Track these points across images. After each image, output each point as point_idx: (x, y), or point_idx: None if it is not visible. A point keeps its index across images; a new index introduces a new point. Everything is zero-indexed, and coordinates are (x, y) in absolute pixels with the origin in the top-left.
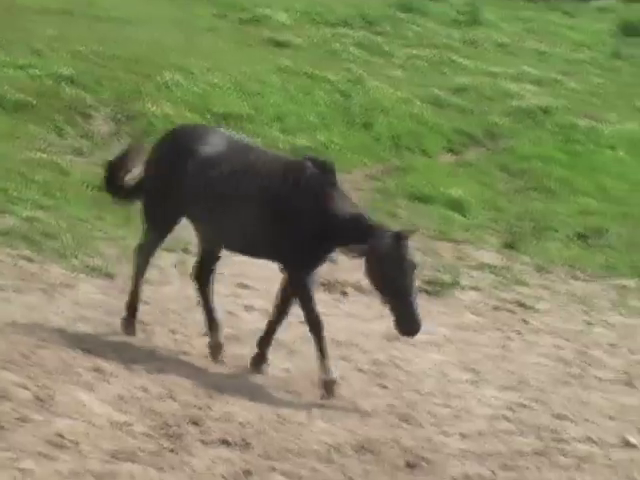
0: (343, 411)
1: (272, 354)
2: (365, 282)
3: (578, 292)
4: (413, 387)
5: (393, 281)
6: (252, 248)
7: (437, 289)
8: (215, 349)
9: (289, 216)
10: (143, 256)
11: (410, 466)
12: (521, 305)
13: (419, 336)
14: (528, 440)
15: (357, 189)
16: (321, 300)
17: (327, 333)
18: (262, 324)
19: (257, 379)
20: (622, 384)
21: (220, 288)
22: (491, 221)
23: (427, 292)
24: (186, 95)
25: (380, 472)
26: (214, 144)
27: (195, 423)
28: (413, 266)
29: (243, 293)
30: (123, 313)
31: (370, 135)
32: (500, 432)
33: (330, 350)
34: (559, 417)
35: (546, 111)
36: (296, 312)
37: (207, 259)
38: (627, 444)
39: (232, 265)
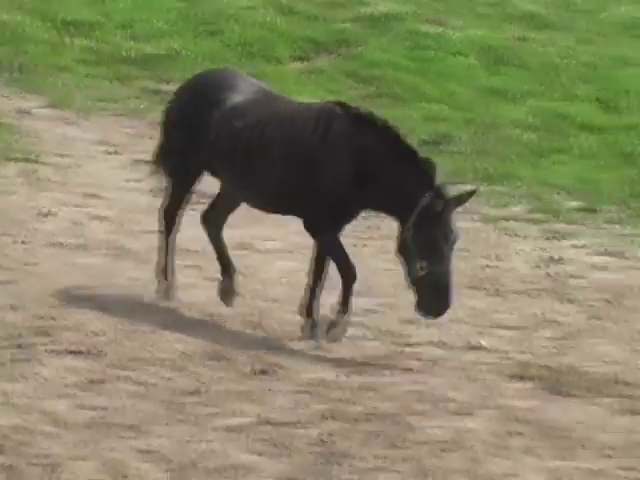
0: (195, 320)
1: (122, 263)
2: (215, 190)
3: None
4: (265, 295)
5: (439, 248)
6: (277, 204)
7: None
8: (227, 294)
9: (316, 172)
10: (169, 217)
11: (262, 372)
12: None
13: (270, 243)
14: (378, 344)
15: None
16: None
17: (179, 241)
18: (113, 235)
19: (108, 289)
20: (471, 288)
21: (68, 197)
22: None
23: None
24: (32, 1)
25: (232, 379)
26: (239, 92)
27: (46, 333)
28: (457, 237)
29: (92, 202)
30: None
31: (220, 42)
32: (351, 337)
33: (351, 304)
34: (409, 322)
35: (395, 18)
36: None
37: (224, 206)
38: (473, 346)
39: (81, 174)
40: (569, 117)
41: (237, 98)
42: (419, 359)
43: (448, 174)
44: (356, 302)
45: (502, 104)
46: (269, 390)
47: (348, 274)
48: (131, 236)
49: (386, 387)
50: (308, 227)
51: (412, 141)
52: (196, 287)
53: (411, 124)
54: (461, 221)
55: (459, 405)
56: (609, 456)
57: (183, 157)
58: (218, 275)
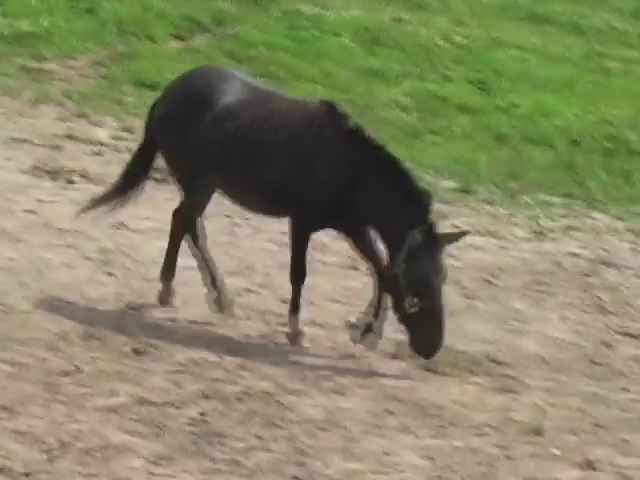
0: (70, 300)
1: None
2: (92, 169)
3: None
4: (140, 275)
5: (431, 284)
6: (269, 206)
7: (164, 176)
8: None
9: (306, 174)
10: (183, 222)
11: (138, 352)
12: None
13: (147, 223)
14: (255, 324)
15: (83, 76)
16: (46, 187)
17: (54, 222)
18: None
19: None
20: (346, 268)
21: None
22: None
23: (154, 179)
24: None
25: (107, 359)
26: (230, 91)
27: None
28: (446, 273)
29: None
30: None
31: (95, 21)
32: (228, 317)
33: (301, 305)
34: (285, 301)
35: None
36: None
37: (198, 206)
38: (350, 326)
39: None
40: (444, 98)
41: (229, 97)
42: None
43: None
44: (233, 282)
45: (378, 85)
46: (144, 370)
47: (298, 276)
48: (5, 215)
49: (262, 366)
50: (292, 223)
51: None
52: (71, 267)
53: None
54: None
55: (335, 384)
56: (483, 434)
57: (180, 162)
58: (94, 254)
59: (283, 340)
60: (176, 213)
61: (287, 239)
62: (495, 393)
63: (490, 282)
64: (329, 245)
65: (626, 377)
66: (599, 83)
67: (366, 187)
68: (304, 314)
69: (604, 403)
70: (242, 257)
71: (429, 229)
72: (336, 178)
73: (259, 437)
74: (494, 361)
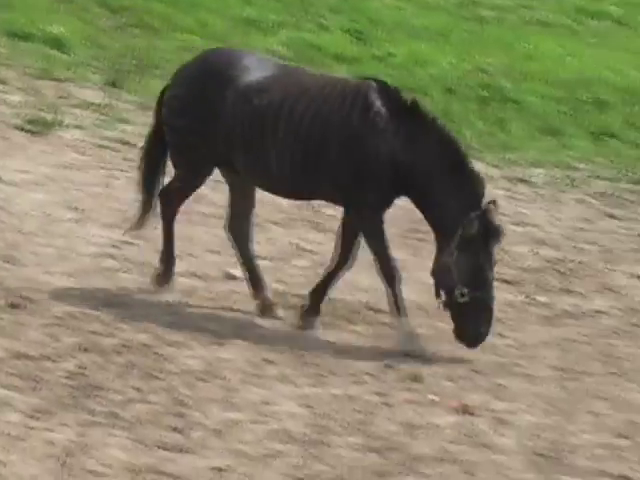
0: None
1: None
2: None
3: None
4: (15, 228)
5: (484, 273)
6: (305, 187)
7: (39, 128)
8: (266, 308)
9: (354, 149)
10: (170, 205)
11: (13, 306)
12: (125, 143)
13: (21, 175)
14: (132, 276)
15: None
16: None
17: None
18: None
19: None
20: (223, 218)
21: None
22: (93, 59)
23: (29, 131)
24: None
25: None
26: (257, 69)
27: None
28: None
29: None
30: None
31: None
32: (105, 270)
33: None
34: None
35: None
36: None
37: (241, 207)
38: (228, 277)
39: None
40: (320, 48)
41: (254, 74)
42: (175, 291)
43: None
44: (110, 235)
45: (255, 35)
46: (20, 324)
47: (390, 274)
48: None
49: (140, 319)
50: (352, 211)
51: (165, 72)
52: None
53: (164, 55)
54: None
55: (214, 335)
56: (362, 382)
57: (192, 147)
58: None
59: (161, 292)
60: (164, 195)
61: None
62: (373, 341)
63: None
64: (207, 195)
65: (502, 323)
66: (474, 31)
67: (419, 168)
68: (183, 266)
69: (480, 349)
70: (119, 209)
71: (484, 215)
72: (387, 158)
73: (138, 389)
74: (372, 309)
